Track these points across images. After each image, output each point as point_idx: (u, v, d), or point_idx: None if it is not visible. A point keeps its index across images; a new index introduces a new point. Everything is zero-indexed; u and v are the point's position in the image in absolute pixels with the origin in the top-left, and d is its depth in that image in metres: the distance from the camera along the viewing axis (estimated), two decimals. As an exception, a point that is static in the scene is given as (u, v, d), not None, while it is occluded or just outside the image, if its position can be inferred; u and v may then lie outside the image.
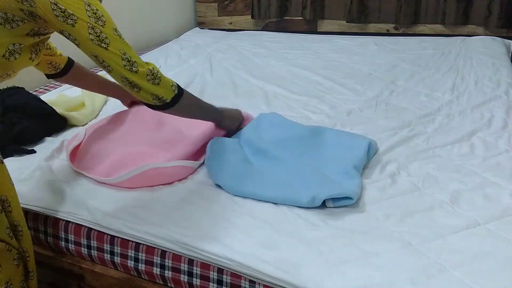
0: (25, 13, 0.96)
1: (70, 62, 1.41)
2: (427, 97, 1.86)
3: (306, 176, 1.22)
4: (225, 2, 3.26)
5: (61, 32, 1.02)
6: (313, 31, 3.11)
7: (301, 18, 3.12)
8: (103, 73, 1.47)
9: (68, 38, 1.02)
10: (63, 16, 0.97)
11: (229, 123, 1.47)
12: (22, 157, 1.43)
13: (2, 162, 1.04)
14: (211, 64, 2.43)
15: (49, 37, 1.11)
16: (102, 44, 1.02)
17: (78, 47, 1.03)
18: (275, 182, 1.21)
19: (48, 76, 1.39)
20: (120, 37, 1.05)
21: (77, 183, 1.29)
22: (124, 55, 1.04)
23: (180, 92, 1.17)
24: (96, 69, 2.41)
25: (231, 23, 3.31)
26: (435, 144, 1.45)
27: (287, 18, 3.17)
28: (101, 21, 1.01)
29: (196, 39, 2.96)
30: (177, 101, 1.15)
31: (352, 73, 2.21)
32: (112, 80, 1.15)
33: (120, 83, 1.09)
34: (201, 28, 3.35)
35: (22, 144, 1.48)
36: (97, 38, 1.01)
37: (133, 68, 1.06)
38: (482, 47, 2.49)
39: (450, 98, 1.83)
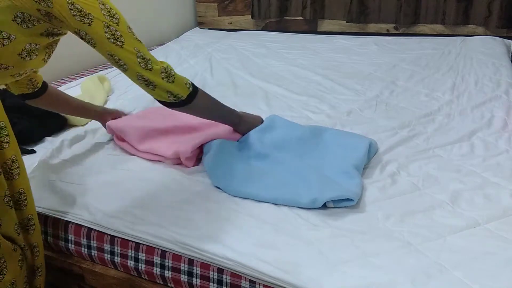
0: (41, 13, 0.97)
1: (45, 82, 1.34)
2: (427, 97, 1.86)
3: (307, 176, 1.21)
4: (225, 2, 3.26)
5: (77, 33, 1.03)
6: (313, 31, 3.11)
7: (301, 18, 3.12)
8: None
9: (83, 39, 1.04)
10: (80, 16, 0.99)
11: (245, 128, 1.43)
12: (22, 157, 1.42)
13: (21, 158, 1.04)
14: (211, 64, 2.43)
15: (59, 39, 1.11)
16: (118, 42, 1.03)
17: (94, 47, 1.05)
18: (275, 183, 1.21)
19: (24, 97, 1.31)
20: (134, 35, 1.07)
21: (77, 183, 1.28)
22: (139, 52, 1.06)
23: (195, 90, 1.18)
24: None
25: (231, 23, 3.31)
26: (435, 144, 1.45)
27: (287, 18, 3.17)
28: (115, 19, 1.03)
29: (196, 39, 2.96)
30: (193, 99, 1.17)
31: (352, 73, 2.21)
32: (128, 80, 1.13)
33: (135, 82, 1.10)
34: (201, 28, 3.35)
35: (22, 144, 1.47)
36: (113, 36, 1.02)
37: (148, 66, 1.07)
38: (482, 47, 2.49)
39: (450, 98, 1.83)
